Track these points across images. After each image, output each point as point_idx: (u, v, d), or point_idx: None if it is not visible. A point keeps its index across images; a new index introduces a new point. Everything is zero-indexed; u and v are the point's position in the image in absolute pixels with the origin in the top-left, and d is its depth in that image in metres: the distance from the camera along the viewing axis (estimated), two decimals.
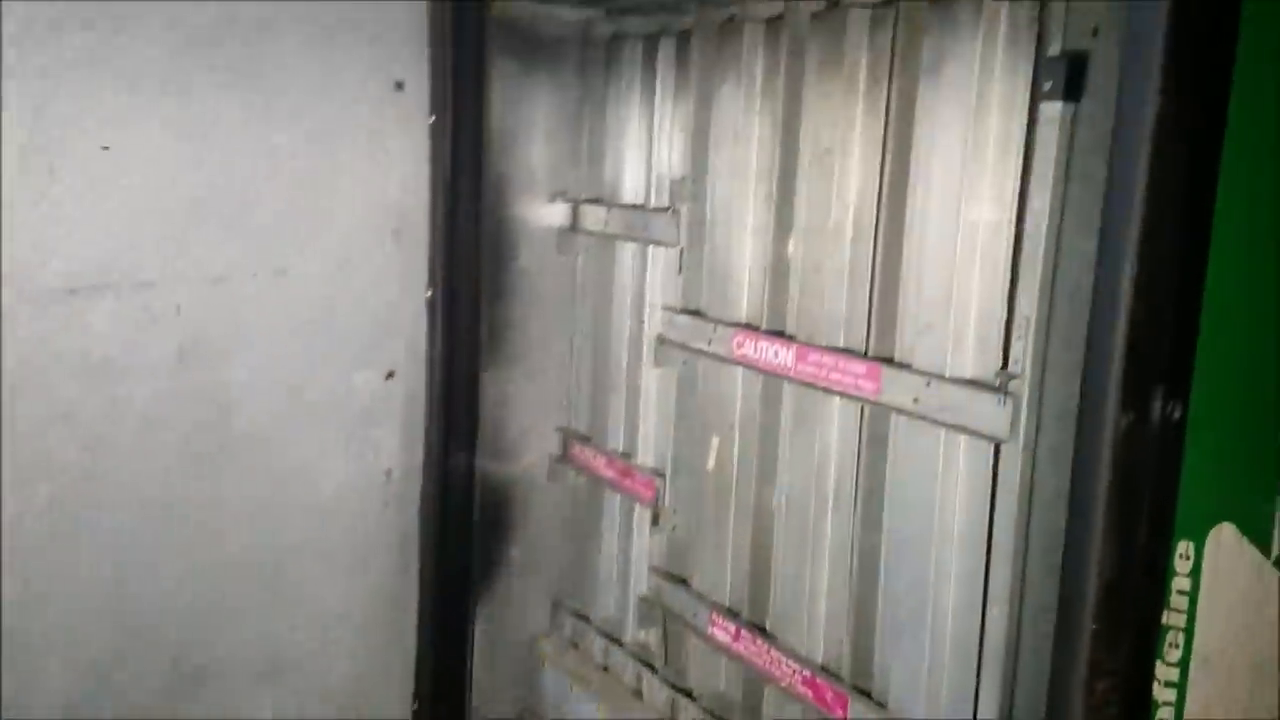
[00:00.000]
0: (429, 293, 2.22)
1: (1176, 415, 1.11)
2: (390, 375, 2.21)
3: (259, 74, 2.01)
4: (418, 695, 2.25)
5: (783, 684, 1.80)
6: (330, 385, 2.16)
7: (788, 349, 1.80)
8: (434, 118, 2.19)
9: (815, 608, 1.78)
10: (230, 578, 2.09)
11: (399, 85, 2.18)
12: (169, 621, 2.02)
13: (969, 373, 1.51)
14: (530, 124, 2.34)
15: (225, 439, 2.07)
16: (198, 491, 2.04)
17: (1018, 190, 1.46)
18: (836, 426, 1.75)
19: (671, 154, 2.12)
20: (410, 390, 2.23)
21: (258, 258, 2.06)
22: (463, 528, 2.28)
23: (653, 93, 2.16)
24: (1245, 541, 1.20)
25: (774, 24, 1.87)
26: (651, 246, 2.16)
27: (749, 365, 1.89)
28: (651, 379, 2.18)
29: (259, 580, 2.13)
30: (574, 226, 2.36)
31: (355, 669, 2.23)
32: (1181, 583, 1.17)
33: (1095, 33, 1.38)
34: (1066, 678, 1.10)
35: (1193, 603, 1.18)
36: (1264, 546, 1.23)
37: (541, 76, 2.34)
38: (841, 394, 1.71)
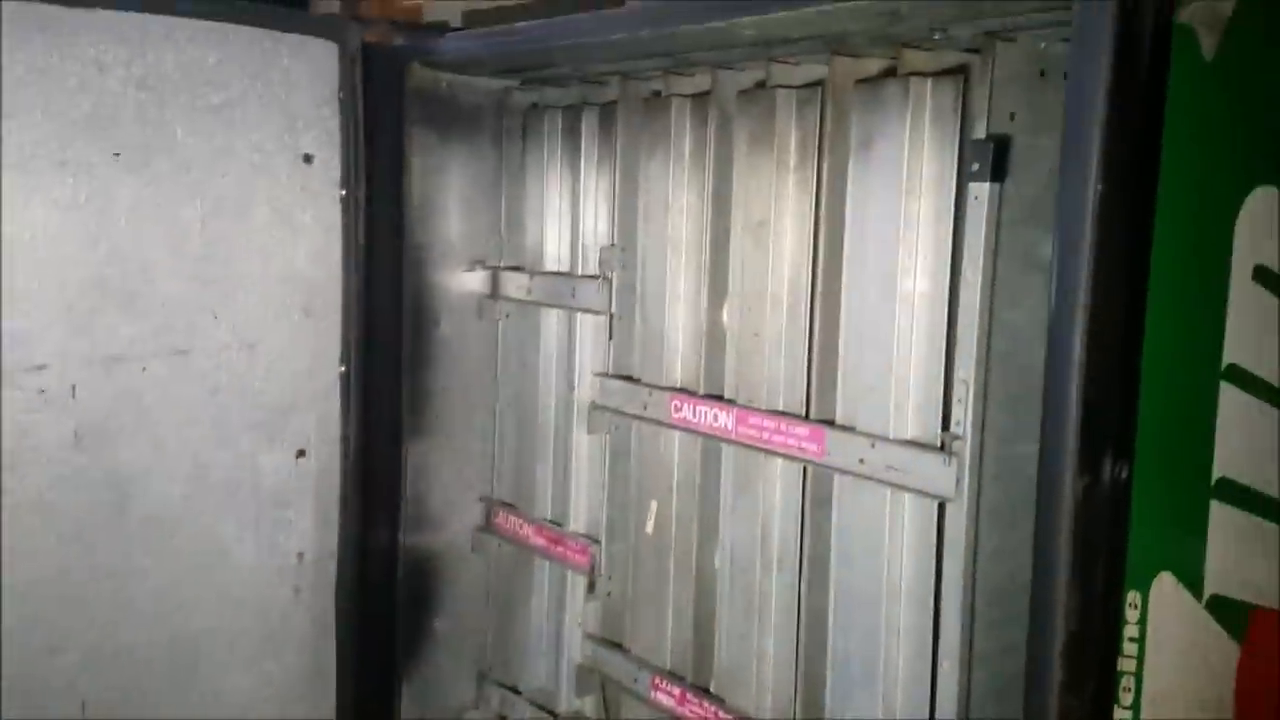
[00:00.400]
0: (342, 367, 2.18)
1: (1124, 475, 1.21)
2: (301, 454, 2.16)
3: (157, 150, 1.97)
4: None
5: None
6: (236, 466, 2.11)
7: (728, 413, 1.85)
8: (344, 191, 2.18)
9: (763, 668, 1.82)
10: (134, 668, 2.00)
11: (307, 158, 2.16)
12: (68, 711, 1.91)
13: (912, 434, 1.59)
14: (447, 192, 2.35)
15: (125, 524, 1.99)
16: (96, 579, 1.95)
17: (950, 263, 1.55)
18: (779, 488, 1.80)
19: (598, 223, 2.16)
20: (323, 468, 2.18)
21: (158, 336, 2.01)
22: (384, 606, 2.23)
23: (576, 162, 2.20)
24: (1182, 588, 1.31)
25: (701, 100, 1.95)
26: (580, 314, 2.18)
27: (688, 429, 1.93)
28: (582, 444, 2.20)
29: (164, 671, 2.04)
30: (494, 294, 2.36)
31: None
32: (1131, 630, 1.26)
33: (1013, 117, 1.50)
34: None
35: (1141, 648, 1.27)
36: (1197, 592, 1.33)
37: (458, 146, 2.35)
38: (785, 456, 1.76)
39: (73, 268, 1.90)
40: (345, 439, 2.15)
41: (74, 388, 1.91)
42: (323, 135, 2.16)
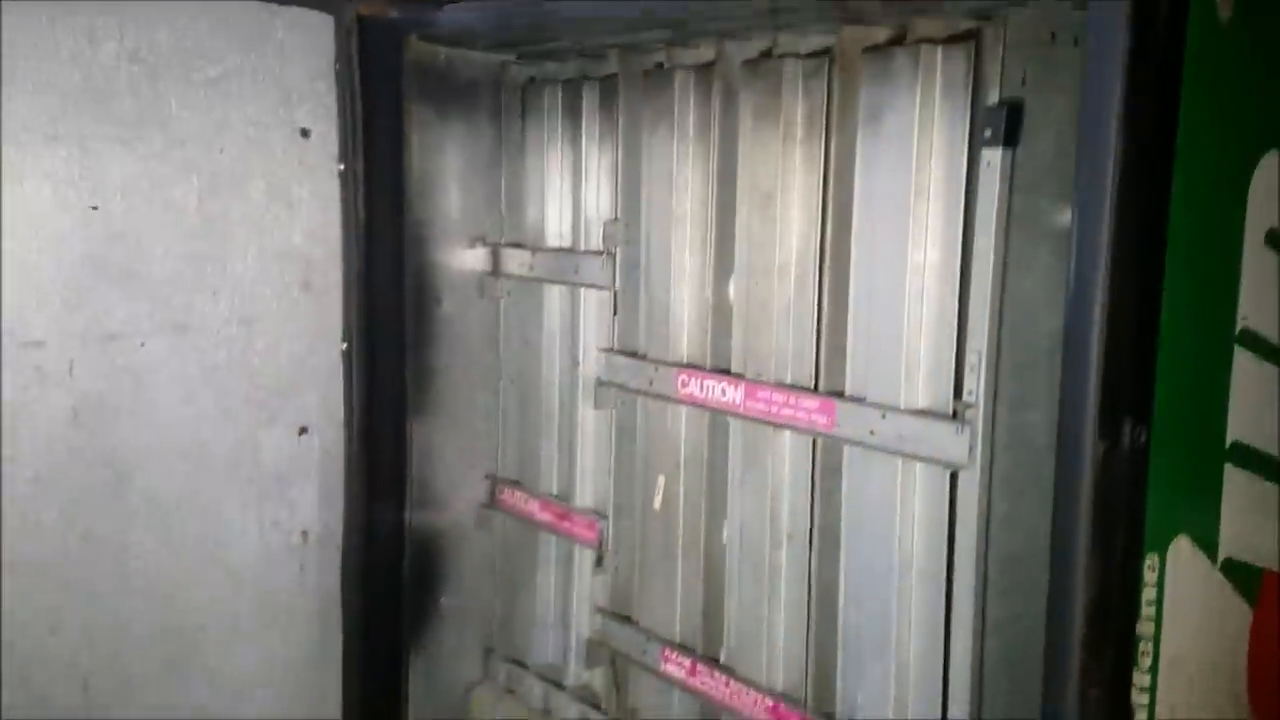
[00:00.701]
0: (344, 345, 2.17)
1: (1142, 439, 1.21)
2: (303, 431, 2.15)
3: (151, 124, 1.94)
4: None
5: (743, 714, 1.82)
6: (237, 444, 2.09)
7: (736, 387, 1.85)
8: (342, 165, 2.15)
9: (773, 639, 1.82)
10: (136, 646, 1.98)
11: (304, 132, 2.13)
12: (69, 693, 1.90)
13: (923, 404, 1.59)
14: (446, 167, 2.32)
15: (125, 502, 1.97)
16: (96, 556, 1.93)
17: (961, 232, 1.55)
18: (789, 461, 1.80)
19: (600, 198, 2.15)
20: (326, 446, 2.17)
21: (155, 313, 1.98)
22: (390, 584, 2.22)
23: (577, 137, 2.19)
24: (1198, 551, 1.32)
25: (705, 71, 1.93)
26: (583, 289, 2.17)
27: (695, 404, 1.93)
28: (588, 420, 2.19)
29: (166, 648, 2.02)
30: (495, 271, 2.35)
31: None
32: (1149, 593, 1.26)
33: (1024, 82, 1.50)
34: (1061, 688, 1.17)
35: (1159, 611, 1.28)
36: (1212, 555, 1.34)
37: (456, 121, 2.32)
38: (794, 429, 1.76)
39: (68, 243, 1.87)
40: (348, 416, 2.14)
41: (71, 365, 1.88)
42: (319, 109, 2.13)
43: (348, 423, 2.14)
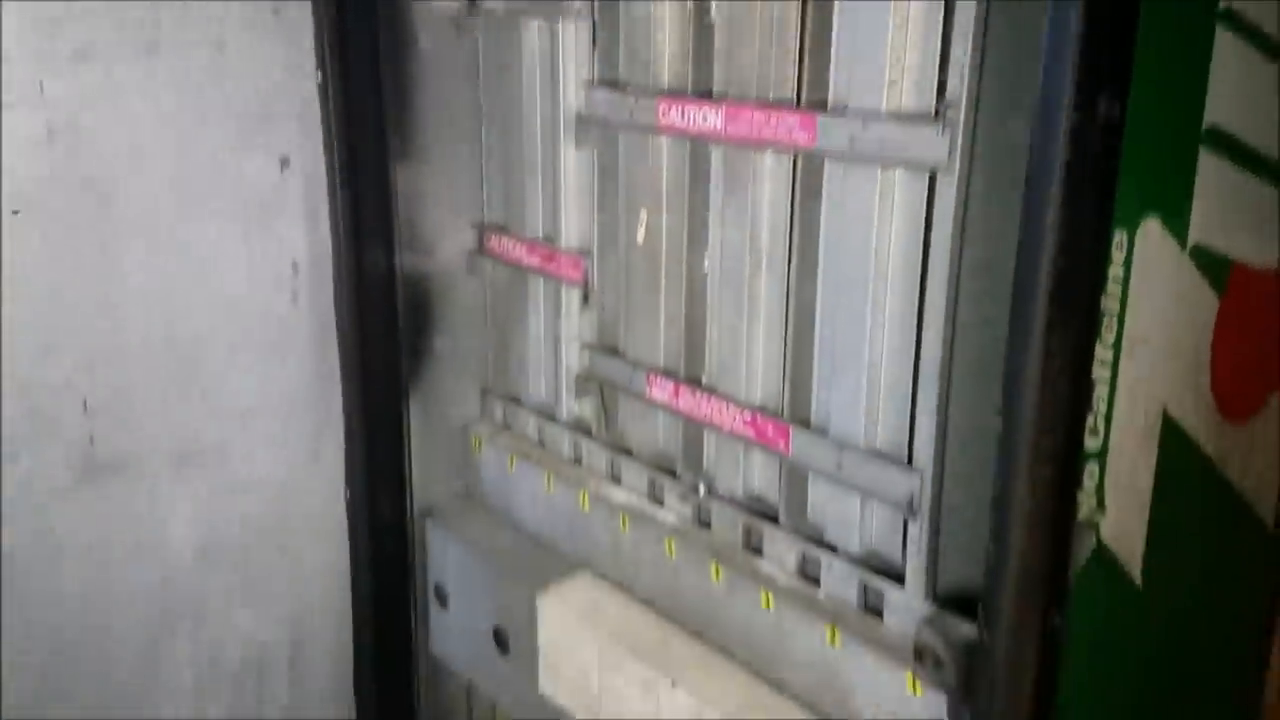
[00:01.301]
0: (319, 74, 2.11)
1: (1116, 114, 1.20)
2: (285, 163, 2.13)
3: None
4: (350, 483, 2.29)
5: (724, 429, 1.90)
6: (217, 172, 2.06)
7: (716, 111, 1.82)
8: None
9: (753, 358, 1.87)
10: (133, 367, 2.04)
11: None
12: (69, 411, 1.97)
13: (905, 107, 1.57)
14: None
15: (109, 228, 1.97)
16: (85, 281, 1.95)
17: None
18: (769, 184, 1.80)
19: None
20: (309, 177, 2.15)
21: (123, 30, 1.91)
22: (384, 318, 2.26)
23: None
24: (1167, 234, 1.33)
25: None
26: (561, 21, 2.11)
27: (676, 133, 1.90)
28: (570, 160, 2.17)
29: (164, 371, 2.08)
30: (472, 8, 2.27)
31: (280, 458, 2.24)
32: (1116, 271, 1.29)
33: None
34: (1023, 352, 1.21)
35: (1124, 289, 1.31)
36: (1181, 240, 1.36)
37: None
38: (774, 149, 1.75)
39: None
40: (329, 149, 2.12)
41: (41, 85, 1.85)
42: None
43: (328, 154, 2.12)
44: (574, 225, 2.21)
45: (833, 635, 1.70)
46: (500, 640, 2.23)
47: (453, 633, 2.42)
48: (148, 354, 2.04)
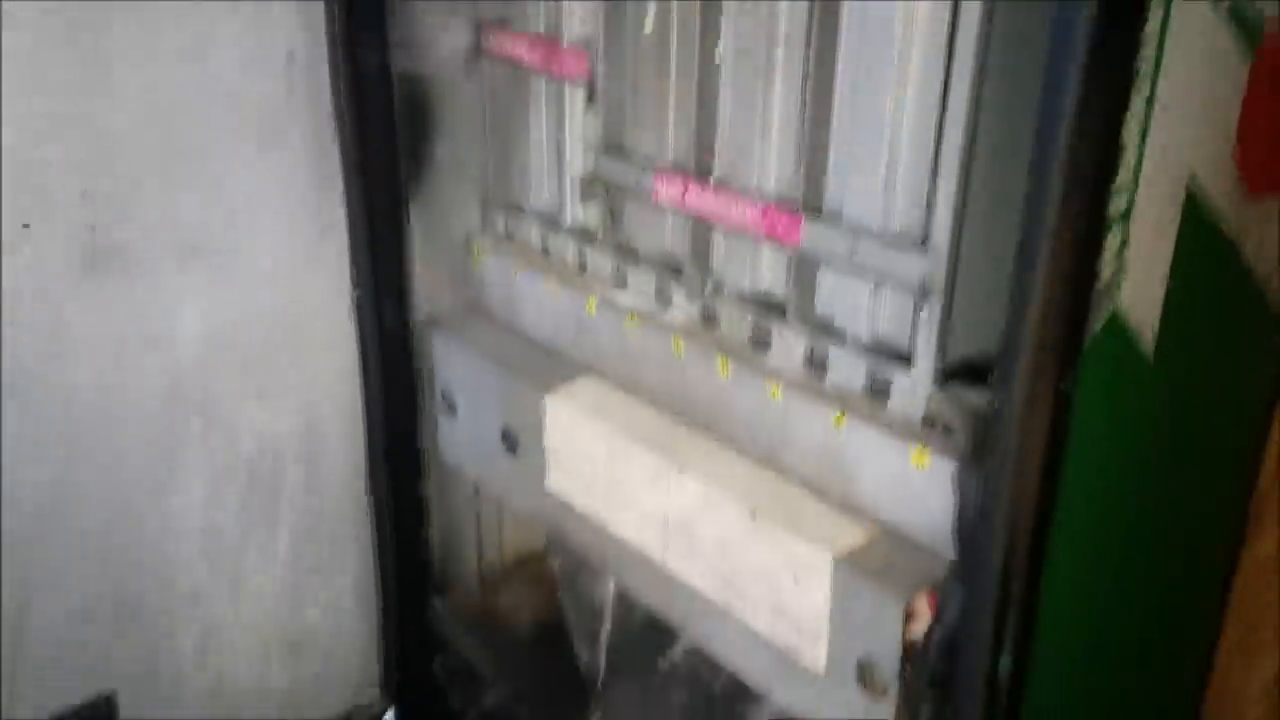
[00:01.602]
0: None
1: None
2: None
3: None
4: (357, 284, 2.28)
5: (736, 223, 1.88)
6: None
7: None
8: None
9: (766, 149, 1.84)
10: (127, 155, 1.98)
11: None
12: (68, 199, 1.93)
13: None
14: None
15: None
16: (77, 66, 1.87)
17: None
18: None
19: None
20: None
21: None
22: (384, 121, 2.20)
23: None
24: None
25: None
26: None
27: None
28: None
29: (162, 161, 2.02)
30: None
31: (283, 253, 2.22)
32: (1151, 43, 1.25)
33: None
34: (1057, 106, 1.19)
35: (1159, 50, 1.28)
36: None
37: None
38: None
39: None
40: None
41: None
42: None
43: None
44: (577, 18, 2.13)
45: (840, 419, 1.73)
46: (508, 440, 2.26)
47: (461, 438, 2.46)
48: (146, 145, 1.97)
